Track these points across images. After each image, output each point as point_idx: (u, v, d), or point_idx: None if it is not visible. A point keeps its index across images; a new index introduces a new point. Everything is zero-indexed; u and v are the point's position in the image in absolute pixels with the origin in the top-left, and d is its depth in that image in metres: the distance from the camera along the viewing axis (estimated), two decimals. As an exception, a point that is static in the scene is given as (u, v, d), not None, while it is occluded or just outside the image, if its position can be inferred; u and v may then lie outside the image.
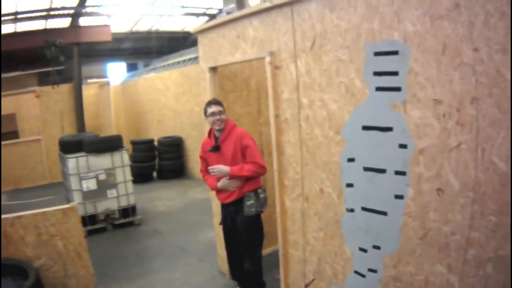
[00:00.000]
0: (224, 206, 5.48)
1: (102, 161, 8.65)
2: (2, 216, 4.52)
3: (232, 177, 5.10)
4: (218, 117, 5.13)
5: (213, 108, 5.15)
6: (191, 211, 9.99)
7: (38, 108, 15.23)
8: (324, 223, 4.62)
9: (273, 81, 4.89)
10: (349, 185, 4.25)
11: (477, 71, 3.12)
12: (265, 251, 6.15)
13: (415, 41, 3.51)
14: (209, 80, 6.02)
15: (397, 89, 3.64)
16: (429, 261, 3.73)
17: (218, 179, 5.25)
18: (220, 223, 5.65)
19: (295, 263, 5.13)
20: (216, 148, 5.23)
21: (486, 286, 3.39)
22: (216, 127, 5.18)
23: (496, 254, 3.28)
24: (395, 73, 3.66)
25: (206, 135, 5.53)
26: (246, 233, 5.32)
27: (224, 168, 5.09)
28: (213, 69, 5.98)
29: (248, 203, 5.18)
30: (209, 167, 5.22)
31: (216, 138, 5.28)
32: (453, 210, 3.46)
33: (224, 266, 6.28)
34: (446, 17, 3.28)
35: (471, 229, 3.38)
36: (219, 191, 5.38)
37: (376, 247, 4.15)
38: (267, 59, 4.82)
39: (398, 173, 3.79)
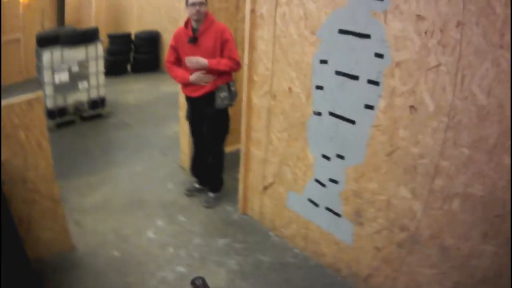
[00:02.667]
0: (192, 100, 5.27)
1: (77, 54, 8.38)
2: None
3: (209, 70, 4.90)
4: (198, 8, 4.81)
5: None
6: (159, 104, 9.90)
7: (20, 7, 14.09)
8: (289, 124, 4.44)
9: (250, -25, 4.55)
10: (319, 87, 4.04)
11: None
12: (228, 149, 6.04)
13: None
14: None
15: (380, -3, 3.38)
16: (394, 181, 3.62)
17: (191, 72, 5.01)
18: (187, 118, 5.51)
19: (256, 163, 4.98)
20: (194, 40, 4.95)
21: (451, 224, 3.30)
22: (194, 18, 4.88)
23: (464, 191, 3.16)
24: (380, -18, 3.39)
25: (182, 24, 5.16)
26: (215, 126, 5.26)
27: (202, 60, 4.85)
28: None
29: (222, 95, 5.06)
30: (187, 58, 4.91)
31: (194, 30, 4.98)
32: (425, 132, 3.30)
33: (185, 161, 6.24)
34: None
35: (441, 157, 3.24)
36: (187, 84, 5.15)
37: (340, 157, 4.00)
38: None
39: (371, 82, 3.58)
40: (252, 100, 4.83)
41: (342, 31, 3.67)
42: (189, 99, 5.31)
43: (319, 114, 4.08)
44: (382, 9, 3.32)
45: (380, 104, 3.54)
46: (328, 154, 4.10)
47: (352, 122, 3.80)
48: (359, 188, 3.89)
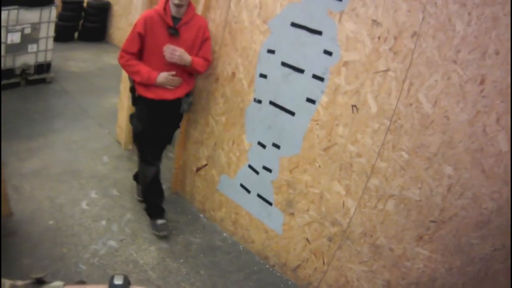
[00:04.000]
0: (158, 105, 4.12)
1: (31, 16, 7.96)
2: None
3: (187, 69, 4.00)
4: None
5: None
6: (101, 75, 9.60)
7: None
8: (228, 108, 4.32)
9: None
10: (263, 76, 3.92)
11: (428, 11, 2.83)
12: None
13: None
14: None
15: (339, -2, 3.31)
16: (328, 176, 3.56)
17: (159, 71, 3.97)
18: (142, 125, 4.25)
19: (191, 143, 4.83)
20: (176, 32, 3.92)
21: (384, 224, 3.27)
22: (176, 2, 3.80)
23: (400, 193, 3.13)
24: (340, -16, 3.33)
25: (154, 6, 4.02)
26: (173, 133, 4.57)
27: (186, 55, 3.89)
28: None
29: (189, 100, 4.32)
30: (168, 47, 3.83)
31: (173, 18, 3.93)
32: (364, 132, 3.26)
33: (121, 135, 6.02)
34: None
35: (379, 158, 3.20)
36: (150, 86, 4.04)
37: (276, 146, 3.92)
38: None
39: (315, 77, 3.50)
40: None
41: (294, 25, 3.57)
42: (152, 103, 4.12)
43: (259, 102, 3.98)
44: (339, 9, 3.24)
45: (322, 99, 3.47)
46: (264, 142, 4.01)
47: (292, 113, 3.72)
48: (292, 178, 3.82)
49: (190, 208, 4.92)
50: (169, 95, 4.07)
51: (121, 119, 6.01)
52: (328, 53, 3.36)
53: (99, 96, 8.09)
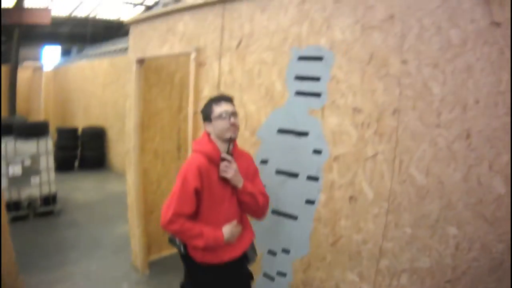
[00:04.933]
0: (224, 267, 3.28)
1: (28, 147, 8.20)
2: None
3: (242, 198, 3.28)
4: (233, 119, 3.17)
5: (224, 107, 3.19)
6: (107, 203, 9.76)
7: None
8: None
9: (195, 78, 4.57)
10: None
11: (403, 83, 3.03)
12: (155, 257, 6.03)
13: (342, 48, 3.38)
14: (135, 72, 5.55)
15: (317, 94, 3.52)
16: (340, 268, 3.60)
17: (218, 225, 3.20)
18: None
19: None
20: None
21: None
22: (228, 135, 3.16)
23: (411, 266, 3.17)
24: (317, 79, 3.53)
25: (199, 148, 3.24)
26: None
27: (240, 175, 3.22)
28: (141, 61, 5.53)
29: (253, 245, 3.54)
30: (226, 157, 3.17)
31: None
32: (366, 219, 3.35)
33: (137, 260, 6.04)
34: (378, 27, 3.17)
35: (385, 239, 3.26)
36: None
37: (286, 251, 3.98)
38: (193, 55, 4.51)
39: (310, 178, 3.65)
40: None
41: (281, 131, 3.78)
42: (216, 267, 3.26)
43: (263, 212, 4.08)
44: (319, 106, 3.47)
45: (321, 198, 3.59)
46: (274, 249, 4.07)
47: (295, 217, 3.82)
48: (307, 278, 3.84)
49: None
50: (237, 251, 3.33)
51: (134, 245, 6.07)
52: (317, 151, 3.55)
53: (108, 224, 8.16)
